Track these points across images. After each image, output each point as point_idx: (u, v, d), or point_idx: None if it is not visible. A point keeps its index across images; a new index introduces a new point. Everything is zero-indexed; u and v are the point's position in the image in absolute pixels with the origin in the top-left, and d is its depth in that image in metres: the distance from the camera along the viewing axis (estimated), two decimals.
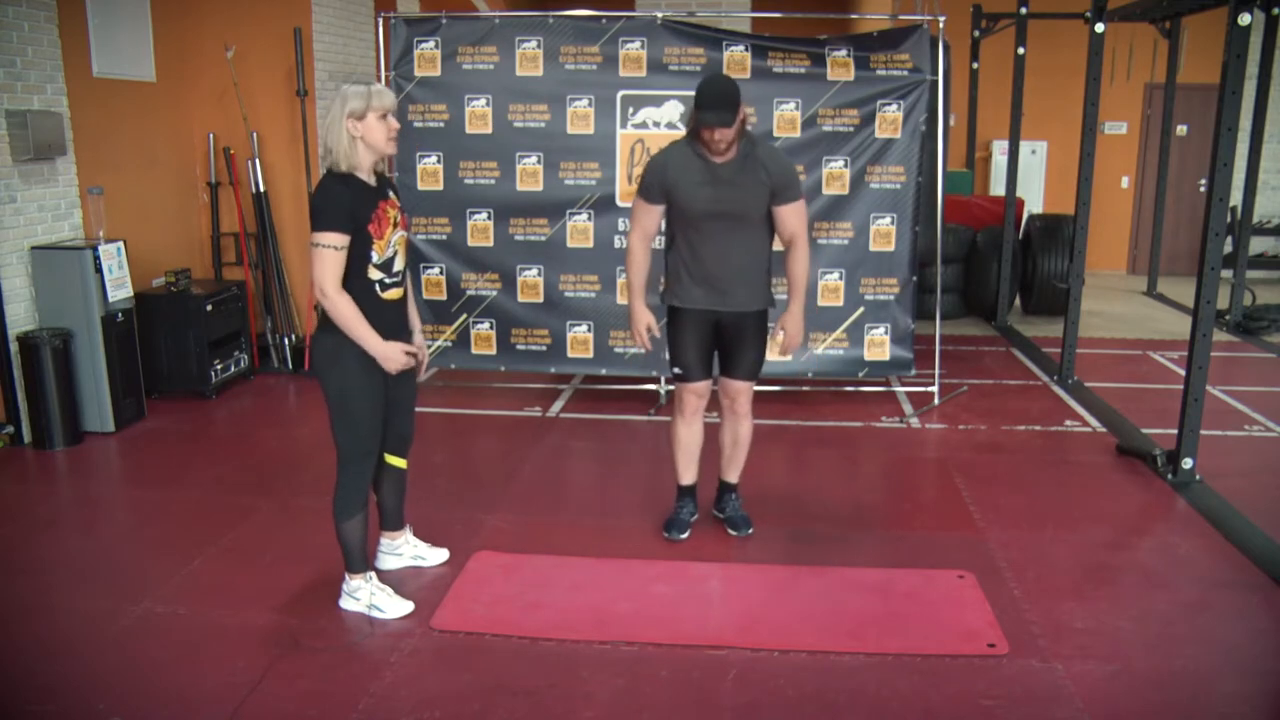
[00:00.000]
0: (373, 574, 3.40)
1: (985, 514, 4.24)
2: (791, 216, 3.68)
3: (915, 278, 5.80)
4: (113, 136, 5.75)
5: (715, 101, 3.44)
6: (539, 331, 5.87)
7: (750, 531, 3.99)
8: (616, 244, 5.70)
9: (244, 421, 5.61)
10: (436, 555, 3.72)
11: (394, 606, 3.34)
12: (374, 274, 3.11)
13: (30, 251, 5.09)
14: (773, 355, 4.02)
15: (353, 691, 2.90)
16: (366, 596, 3.33)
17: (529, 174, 5.69)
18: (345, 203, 3.01)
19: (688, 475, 4.02)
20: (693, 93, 5.63)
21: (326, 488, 3.33)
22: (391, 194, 3.20)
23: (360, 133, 3.03)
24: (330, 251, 2.98)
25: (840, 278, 5.75)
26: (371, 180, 3.12)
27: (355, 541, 3.31)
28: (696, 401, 3.87)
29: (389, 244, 3.12)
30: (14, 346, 4.97)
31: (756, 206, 3.64)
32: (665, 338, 3.92)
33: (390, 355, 3.11)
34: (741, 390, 3.87)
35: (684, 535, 3.96)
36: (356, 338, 3.06)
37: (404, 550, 3.68)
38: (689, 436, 3.94)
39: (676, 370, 3.84)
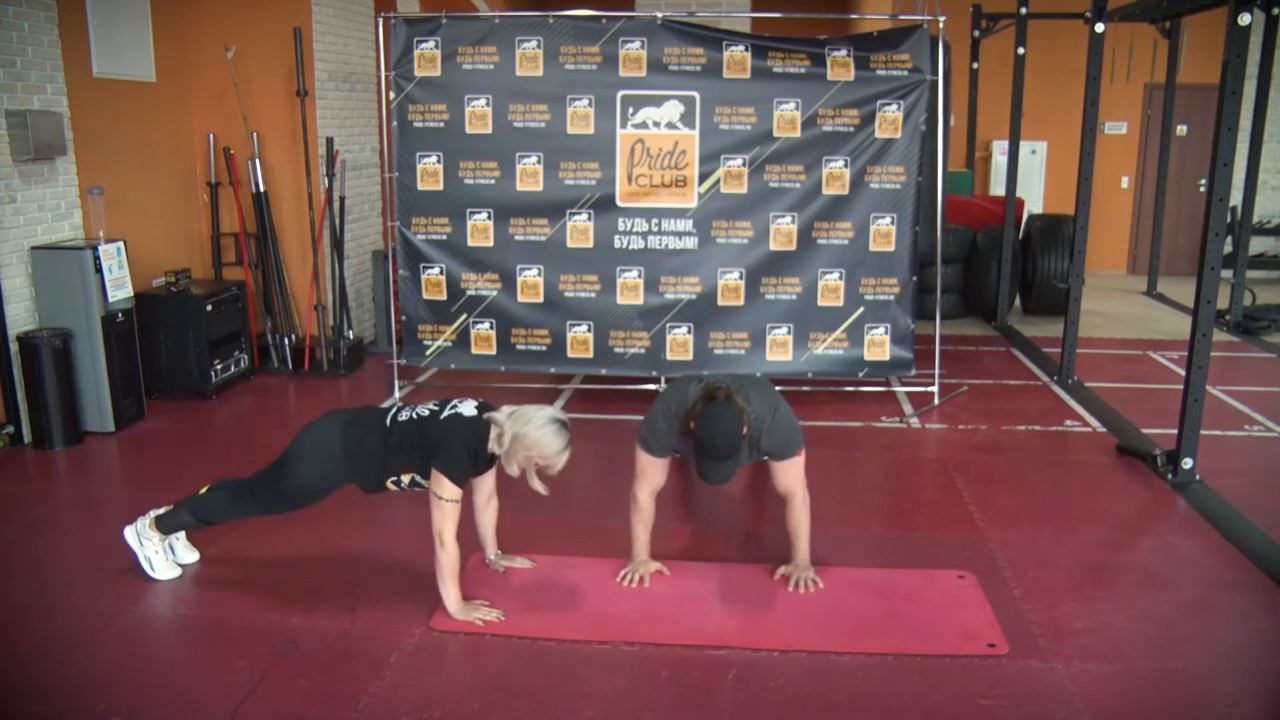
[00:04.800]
0: (172, 540, 3.63)
1: (985, 514, 4.24)
2: (784, 473, 3.51)
3: (915, 278, 5.80)
4: (113, 136, 5.74)
5: (717, 455, 3.23)
6: (539, 331, 5.87)
7: None
8: (616, 244, 5.71)
9: (244, 421, 5.61)
10: None
11: (164, 569, 3.57)
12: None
13: (30, 251, 5.09)
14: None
15: (353, 691, 2.90)
16: (151, 549, 3.55)
17: (529, 174, 5.69)
18: (470, 470, 3.31)
19: None
20: (693, 93, 5.62)
21: None
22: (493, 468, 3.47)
23: (526, 464, 3.24)
24: (452, 505, 3.23)
25: (840, 278, 5.75)
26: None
27: (182, 524, 3.55)
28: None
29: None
30: (14, 346, 4.97)
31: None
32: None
33: (459, 612, 3.30)
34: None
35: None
36: (442, 585, 3.28)
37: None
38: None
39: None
